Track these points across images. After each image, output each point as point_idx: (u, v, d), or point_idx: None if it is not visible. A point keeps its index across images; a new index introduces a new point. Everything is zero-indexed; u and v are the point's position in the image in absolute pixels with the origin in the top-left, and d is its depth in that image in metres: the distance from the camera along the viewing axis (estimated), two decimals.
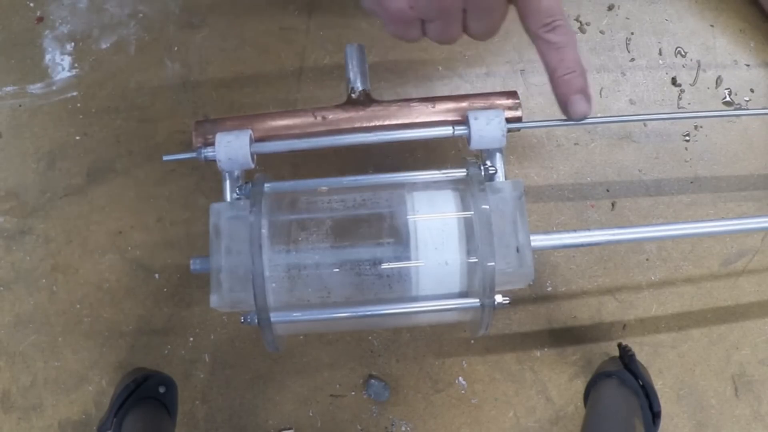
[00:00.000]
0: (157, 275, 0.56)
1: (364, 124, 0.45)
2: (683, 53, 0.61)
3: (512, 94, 0.45)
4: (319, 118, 0.45)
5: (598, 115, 0.59)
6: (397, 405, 0.55)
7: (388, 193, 0.42)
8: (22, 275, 0.56)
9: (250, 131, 0.42)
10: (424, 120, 0.45)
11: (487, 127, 0.42)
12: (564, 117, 0.42)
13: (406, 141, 0.44)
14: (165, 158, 0.44)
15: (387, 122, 0.45)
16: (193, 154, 0.43)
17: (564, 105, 0.41)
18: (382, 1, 0.38)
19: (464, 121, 0.43)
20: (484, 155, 0.44)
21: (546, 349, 0.56)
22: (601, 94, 0.60)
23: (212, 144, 0.43)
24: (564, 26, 0.39)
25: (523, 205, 0.40)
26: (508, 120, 0.44)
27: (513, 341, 0.56)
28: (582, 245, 0.43)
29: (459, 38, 0.41)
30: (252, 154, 0.42)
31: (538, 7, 0.39)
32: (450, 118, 0.45)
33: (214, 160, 0.42)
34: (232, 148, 0.41)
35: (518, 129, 0.45)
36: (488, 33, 0.41)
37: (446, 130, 0.43)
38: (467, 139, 0.43)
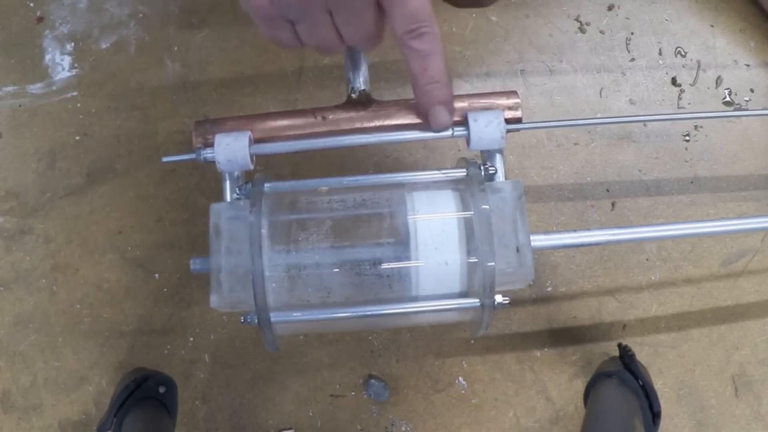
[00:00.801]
0: (157, 275, 0.56)
1: (364, 124, 0.44)
2: (683, 53, 0.61)
3: (512, 94, 0.45)
4: (319, 118, 0.45)
5: (598, 115, 0.59)
6: (397, 405, 0.55)
7: (388, 193, 0.42)
8: (22, 275, 0.56)
9: (249, 133, 0.42)
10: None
11: (487, 129, 0.42)
12: (564, 119, 0.42)
13: (411, 141, 0.44)
14: (164, 159, 0.44)
15: (387, 122, 0.45)
16: (193, 156, 0.43)
17: (424, 115, 0.41)
18: None
19: (464, 122, 0.43)
20: (484, 155, 0.44)
21: (546, 349, 0.56)
22: (601, 94, 0.60)
23: (212, 144, 0.43)
24: (431, 33, 0.37)
25: (523, 205, 0.40)
26: (508, 120, 0.44)
27: (513, 341, 0.56)
28: (582, 245, 0.43)
29: (338, 46, 0.40)
30: (251, 156, 0.42)
31: (404, 11, 0.37)
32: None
33: (214, 162, 0.42)
34: (231, 150, 0.41)
35: (518, 130, 0.45)
36: (363, 39, 0.39)
37: (446, 132, 0.43)
38: (467, 140, 0.43)
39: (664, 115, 0.56)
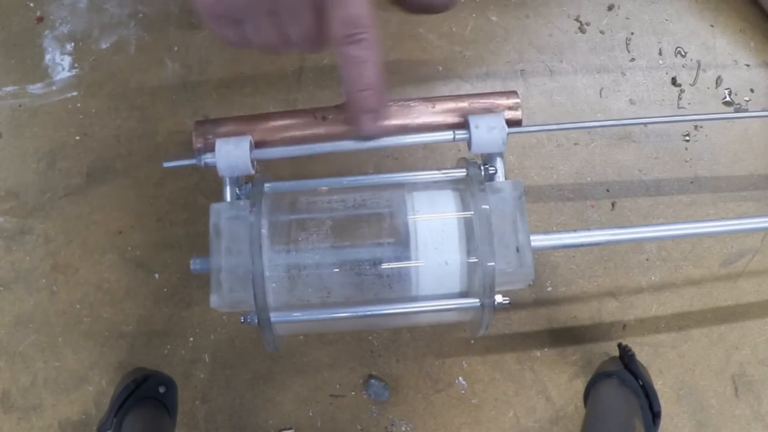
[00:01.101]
0: (157, 275, 0.56)
1: None
2: (683, 53, 0.61)
3: (512, 94, 0.45)
4: (319, 118, 0.45)
5: (599, 115, 0.59)
6: (397, 405, 0.55)
7: (388, 193, 0.42)
8: (22, 275, 0.56)
9: (249, 138, 0.42)
10: (424, 120, 0.45)
11: (488, 135, 0.42)
12: (565, 122, 0.42)
13: (414, 145, 0.44)
14: (165, 165, 0.44)
15: (387, 122, 0.45)
16: (194, 161, 0.43)
17: (354, 121, 0.40)
18: None
19: (465, 125, 0.43)
20: (484, 156, 0.44)
21: (546, 349, 0.56)
22: (601, 94, 0.60)
23: (212, 144, 0.43)
24: (368, 40, 0.37)
25: (523, 205, 0.40)
26: (508, 121, 0.44)
27: (513, 341, 0.57)
28: (582, 245, 0.43)
29: (283, 47, 0.40)
30: (252, 161, 0.42)
31: (342, 15, 0.36)
32: (450, 118, 0.45)
33: (214, 166, 0.42)
34: (232, 156, 0.41)
35: (519, 133, 0.45)
36: (305, 41, 0.39)
37: (447, 135, 0.43)
38: (468, 143, 0.43)
39: (663, 117, 0.56)
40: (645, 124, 0.59)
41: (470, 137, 0.42)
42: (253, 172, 0.42)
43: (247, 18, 0.38)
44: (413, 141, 0.44)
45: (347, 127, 0.45)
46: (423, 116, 0.45)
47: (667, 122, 0.58)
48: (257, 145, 0.44)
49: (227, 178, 0.43)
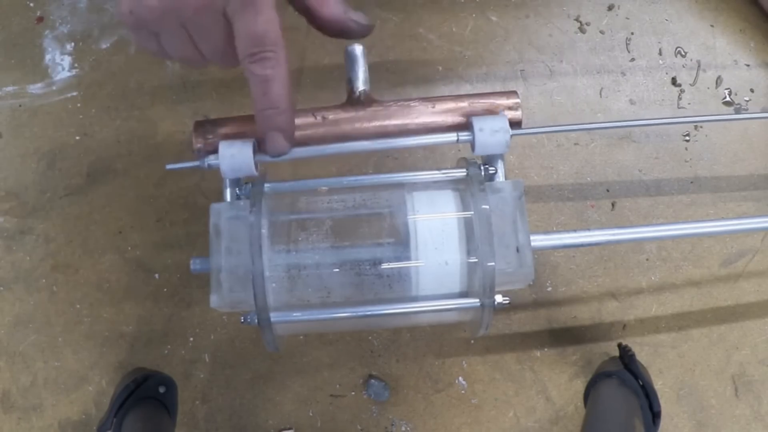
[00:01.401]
0: (157, 275, 0.56)
1: (365, 125, 0.45)
2: (683, 53, 0.61)
3: (512, 94, 0.45)
4: (319, 118, 0.45)
5: (598, 115, 0.59)
6: (397, 405, 0.55)
7: (388, 193, 0.42)
8: (22, 275, 0.56)
9: (253, 141, 0.42)
10: (424, 120, 0.45)
11: (492, 138, 0.42)
12: (565, 123, 0.42)
13: (416, 147, 0.44)
14: (168, 167, 0.44)
15: (387, 122, 0.45)
16: (197, 163, 0.43)
17: (261, 141, 0.40)
18: (116, 3, 0.37)
19: (468, 126, 0.43)
20: (484, 156, 0.44)
21: (546, 349, 0.56)
22: (601, 94, 0.60)
23: (212, 144, 0.43)
24: (273, 58, 0.37)
25: (523, 205, 0.40)
26: (510, 122, 0.44)
27: (513, 341, 0.57)
28: (582, 245, 0.43)
29: (200, 61, 0.40)
30: (256, 164, 0.42)
31: (248, 33, 0.36)
32: (450, 119, 0.45)
33: (218, 168, 0.42)
34: (236, 160, 0.41)
35: (522, 134, 0.45)
36: (217, 56, 0.39)
37: (450, 137, 0.43)
38: (471, 145, 0.43)
39: (662, 119, 0.56)
40: (644, 125, 0.59)
41: (474, 139, 0.42)
42: (256, 173, 0.42)
43: (161, 31, 0.38)
44: (416, 143, 0.44)
45: (348, 127, 0.45)
46: (423, 116, 0.45)
47: (666, 124, 0.58)
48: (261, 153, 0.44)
49: (227, 179, 0.43)
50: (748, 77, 0.60)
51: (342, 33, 0.42)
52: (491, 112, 0.44)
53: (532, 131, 0.45)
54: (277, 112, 0.39)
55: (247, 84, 0.38)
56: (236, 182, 0.43)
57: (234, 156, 0.41)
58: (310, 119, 0.45)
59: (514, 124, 0.45)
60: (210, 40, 0.38)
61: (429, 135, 0.44)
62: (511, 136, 0.42)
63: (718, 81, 0.60)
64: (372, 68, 0.45)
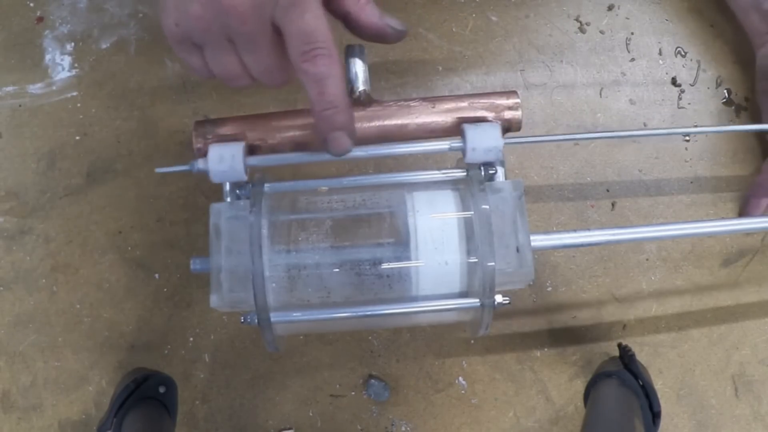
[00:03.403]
0: (157, 275, 0.56)
1: (365, 125, 0.45)
2: (683, 53, 0.61)
3: (512, 94, 0.45)
4: None
5: (598, 115, 0.59)
6: (397, 405, 0.55)
7: (388, 193, 0.42)
8: (22, 275, 0.56)
9: (243, 144, 0.42)
10: (424, 120, 0.45)
11: (485, 156, 0.42)
12: (561, 134, 0.42)
13: (408, 155, 0.44)
14: (158, 170, 0.44)
15: (387, 122, 0.45)
16: (186, 168, 0.43)
17: (323, 141, 0.39)
18: (160, 17, 0.37)
19: (460, 134, 0.43)
20: None
21: (546, 349, 0.56)
22: (601, 94, 0.60)
23: (212, 143, 0.43)
24: (326, 55, 0.36)
25: (523, 205, 0.40)
26: (509, 121, 0.44)
27: (513, 341, 0.57)
28: (582, 245, 0.44)
29: (244, 79, 0.39)
30: (246, 168, 0.42)
31: (298, 32, 0.35)
32: (450, 119, 0.45)
33: (207, 172, 0.42)
34: (225, 163, 0.41)
35: (514, 144, 0.45)
36: (265, 71, 0.38)
37: (443, 146, 0.43)
38: (463, 153, 0.43)
39: (659, 130, 0.56)
40: (643, 127, 0.59)
41: (465, 149, 0.42)
42: (246, 178, 0.42)
43: (206, 44, 0.37)
44: (408, 151, 0.44)
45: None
46: (423, 116, 0.45)
47: (664, 135, 0.58)
48: (257, 145, 0.44)
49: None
50: (748, 77, 0.60)
51: (378, 38, 0.42)
52: (491, 111, 0.44)
53: (524, 140, 0.45)
54: (337, 111, 0.38)
55: (303, 88, 0.37)
56: (236, 182, 0.43)
57: (223, 159, 0.41)
58: (310, 119, 0.45)
59: (515, 124, 0.45)
60: (257, 52, 0.37)
61: (421, 143, 0.43)
62: (504, 144, 0.42)
63: (718, 81, 0.60)
64: (372, 68, 0.45)
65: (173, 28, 0.37)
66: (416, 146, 0.44)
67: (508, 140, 0.43)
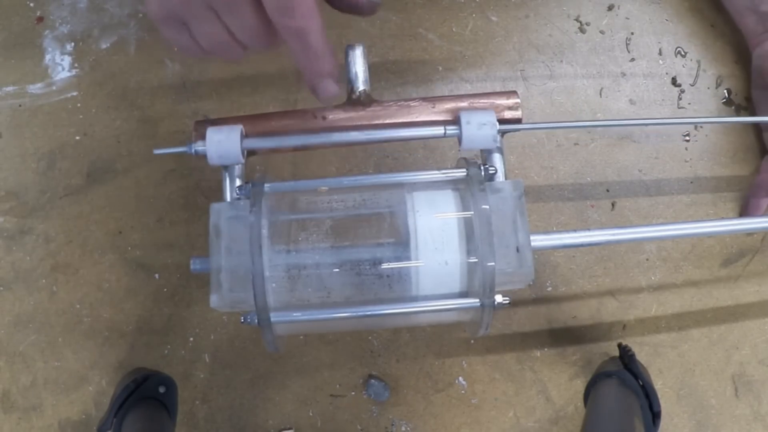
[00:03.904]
0: (157, 275, 0.56)
1: (364, 125, 0.45)
2: (683, 53, 0.61)
3: (512, 94, 0.45)
4: (319, 118, 0.45)
5: (598, 115, 0.59)
6: (397, 405, 0.55)
7: (388, 193, 0.42)
8: (22, 275, 0.56)
9: (240, 127, 0.43)
10: (424, 120, 0.45)
11: (479, 132, 0.42)
12: (562, 120, 0.42)
13: (404, 140, 0.44)
14: (156, 152, 0.44)
15: (387, 122, 0.45)
16: (185, 149, 0.43)
17: (313, 91, 0.40)
18: (145, 4, 0.37)
19: (456, 122, 0.43)
20: (483, 155, 0.44)
21: (546, 349, 0.56)
22: (601, 94, 0.60)
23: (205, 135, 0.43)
24: (302, 8, 0.36)
25: (523, 205, 0.40)
26: (508, 121, 0.44)
27: (513, 341, 0.57)
28: (582, 245, 0.44)
29: (235, 48, 0.39)
30: (243, 150, 0.42)
31: None
32: (450, 119, 0.45)
33: (205, 155, 0.42)
34: (222, 146, 0.42)
35: (511, 131, 0.45)
36: (251, 35, 0.38)
37: (438, 130, 0.43)
38: (458, 139, 0.43)
39: (663, 120, 0.56)
40: (644, 125, 0.59)
41: (461, 133, 0.42)
42: (243, 161, 0.42)
43: (190, 16, 0.38)
44: (403, 135, 0.44)
45: (348, 126, 0.45)
46: (423, 116, 0.45)
47: (666, 124, 0.58)
48: (248, 138, 0.44)
49: (226, 174, 0.43)
50: (748, 77, 0.60)
51: (351, 9, 0.43)
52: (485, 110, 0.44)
53: (522, 127, 0.45)
54: (321, 61, 0.38)
55: (303, 88, 0.38)
56: (236, 180, 0.43)
57: (221, 141, 0.41)
58: (310, 119, 0.45)
59: (515, 123, 0.45)
60: (239, 15, 0.37)
61: (417, 128, 0.44)
62: (505, 133, 0.42)
63: (718, 81, 0.60)
64: (372, 68, 0.45)
65: (156, 9, 0.37)
66: (411, 131, 0.44)
67: (503, 126, 0.43)
